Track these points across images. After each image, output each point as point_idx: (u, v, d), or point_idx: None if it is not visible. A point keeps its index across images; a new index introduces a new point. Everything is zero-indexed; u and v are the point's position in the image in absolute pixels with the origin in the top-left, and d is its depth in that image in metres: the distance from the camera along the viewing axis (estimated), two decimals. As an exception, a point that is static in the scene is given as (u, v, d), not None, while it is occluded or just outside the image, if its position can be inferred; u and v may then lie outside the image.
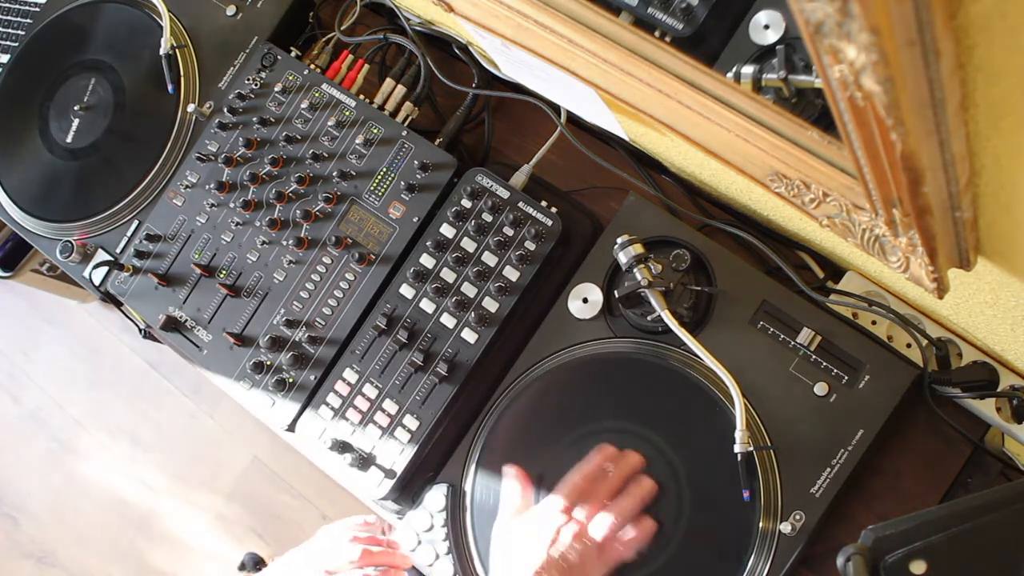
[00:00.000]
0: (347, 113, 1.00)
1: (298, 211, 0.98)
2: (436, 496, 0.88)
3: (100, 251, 1.09)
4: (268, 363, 0.96)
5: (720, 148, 0.66)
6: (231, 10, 1.10)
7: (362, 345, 0.93)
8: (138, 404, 2.19)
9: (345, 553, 0.84)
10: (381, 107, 1.01)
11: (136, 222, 1.07)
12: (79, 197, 1.11)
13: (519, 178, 0.94)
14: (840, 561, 0.55)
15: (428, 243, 0.92)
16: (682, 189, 0.94)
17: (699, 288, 0.84)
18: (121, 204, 1.08)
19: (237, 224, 1.01)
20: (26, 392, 2.28)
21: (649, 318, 0.84)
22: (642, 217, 0.88)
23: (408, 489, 0.91)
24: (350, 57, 1.05)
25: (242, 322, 0.98)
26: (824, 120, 0.57)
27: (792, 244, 0.90)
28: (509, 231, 0.91)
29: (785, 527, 0.77)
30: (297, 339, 0.96)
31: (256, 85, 1.04)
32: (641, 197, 0.89)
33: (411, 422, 0.90)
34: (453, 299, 0.91)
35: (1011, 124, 0.41)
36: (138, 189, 1.07)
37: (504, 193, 0.92)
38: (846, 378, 0.79)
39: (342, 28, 1.06)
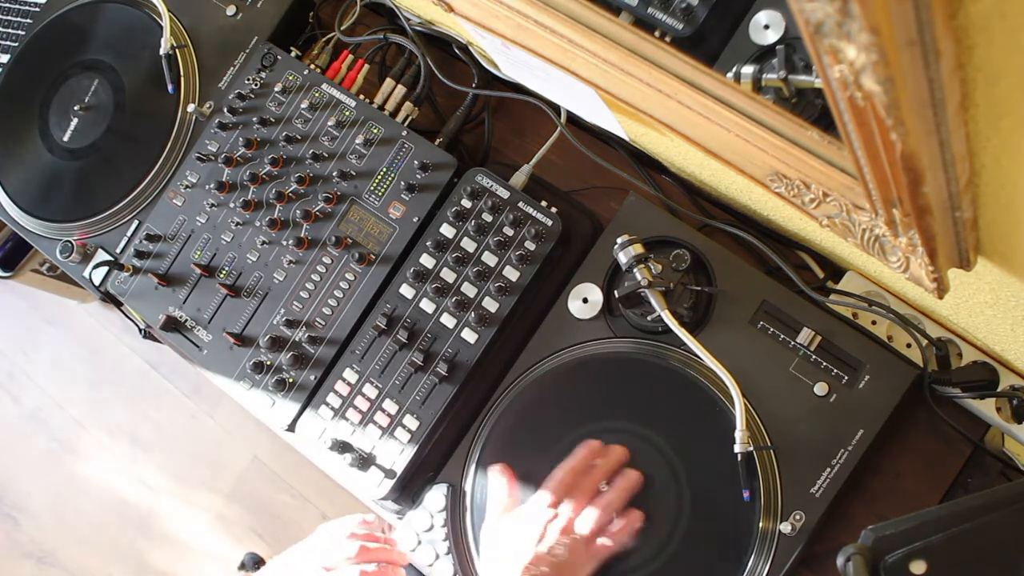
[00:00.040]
0: (347, 113, 1.00)
1: (298, 211, 0.98)
2: (436, 496, 0.88)
3: (100, 251, 1.09)
4: (268, 363, 0.96)
5: (720, 148, 0.66)
6: (231, 10, 1.10)
7: (362, 345, 0.93)
8: (138, 404, 2.19)
9: (343, 549, 0.84)
10: (381, 107, 1.01)
11: (136, 222, 1.07)
12: (79, 197, 1.11)
13: (519, 178, 0.94)
14: (840, 561, 0.55)
15: (428, 243, 0.92)
16: (682, 189, 0.94)
17: (699, 288, 0.84)
18: (121, 204, 1.08)
19: (237, 224, 1.01)
20: (26, 392, 2.28)
21: (649, 318, 0.84)
22: (642, 217, 0.88)
23: (408, 489, 0.91)
24: (350, 57, 1.05)
25: (242, 322, 0.98)
26: (824, 120, 0.57)
27: (792, 244, 0.90)
28: (509, 231, 0.91)
29: (785, 527, 0.77)
30: (297, 339, 0.96)
31: (256, 85, 1.04)
32: (641, 197, 0.89)
33: (411, 422, 0.90)
34: (453, 299, 0.91)
35: (1011, 124, 0.41)
36: (138, 189, 1.07)
37: (504, 193, 0.92)
38: (846, 378, 0.79)
39: (342, 28, 1.06)
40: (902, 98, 0.37)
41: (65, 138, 1.13)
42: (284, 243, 0.98)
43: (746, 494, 0.78)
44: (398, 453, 0.89)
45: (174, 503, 2.11)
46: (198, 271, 1.00)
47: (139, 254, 1.03)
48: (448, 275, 0.92)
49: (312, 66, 1.03)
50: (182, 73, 1.09)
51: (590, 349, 0.87)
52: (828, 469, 0.78)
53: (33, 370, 2.30)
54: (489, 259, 0.91)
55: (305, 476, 2.03)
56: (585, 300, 0.88)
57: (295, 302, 0.97)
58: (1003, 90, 0.38)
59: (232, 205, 1.01)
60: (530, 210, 0.91)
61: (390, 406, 0.91)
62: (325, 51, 1.07)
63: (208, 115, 1.06)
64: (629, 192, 0.90)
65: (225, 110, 1.03)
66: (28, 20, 1.31)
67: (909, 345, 0.83)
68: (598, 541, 0.78)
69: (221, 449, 2.11)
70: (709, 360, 0.79)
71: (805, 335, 0.81)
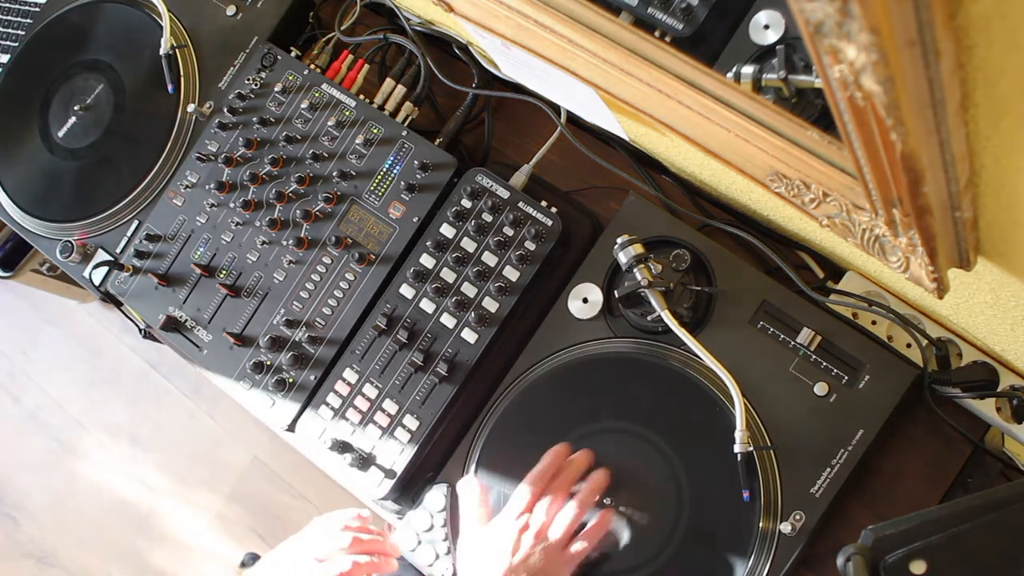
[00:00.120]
0: (347, 113, 1.00)
1: (298, 211, 0.98)
2: (436, 496, 0.88)
3: (100, 251, 1.09)
4: (268, 363, 0.96)
5: (720, 148, 0.66)
6: (231, 10, 1.10)
7: (362, 345, 0.93)
8: (138, 404, 2.19)
9: (336, 541, 0.84)
10: (381, 107, 1.01)
11: (136, 222, 1.07)
12: (79, 197, 1.11)
13: (519, 178, 0.94)
14: (840, 561, 0.55)
15: (428, 243, 0.92)
16: (682, 189, 0.94)
17: (699, 288, 0.84)
18: (121, 204, 1.08)
19: (237, 224, 1.01)
20: (26, 392, 2.28)
21: (649, 318, 0.84)
22: (642, 217, 0.88)
23: (408, 489, 0.91)
24: (350, 57, 1.05)
25: (242, 322, 0.98)
26: (824, 120, 0.57)
27: (792, 244, 0.90)
28: (509, 231, 0.91)
29: (785, 527, 0.77)
30: (297, 339, 0.96)
31: (256, 85, 1.04)
32: (641, 197, 0.89)
33: (411, 422, 0.90)
34: (453, 299, 0.91)
35: (1011, 124, 0.41)
36: (138, 189, 1.07)
37: (504, 193, 0.92)
38: (846, 378, 0.79)
39: (342, 28, 1.06)
40: (902, 98, 0.37)
41: (65, 138, 1.13)
42: (284, 243, 0.98)
43: (746, 494, 0.78)
44: (398, 453, 0.89)
45: (174, 503, 2.11)
46: (198, 271, 1.00)
47: (139, 254, 1.03)
48: (448, 275, 0.92)
49: (312, 66, 1.03)
50: (182, 73, 1.09)
51: (590, 349, 0.87)
52: (828, 469, 0.78)
53: (33, 370, 2.29)
54: (489, 259, 0.91)
55: (305, 476, 2.03)
56: (585, 300, 0.88)
57: (295, 302, 0.97)
58: (1003, 90, 0.38)
59: (232, 205, 1.01)
60: (530, 210, 0.91)
61: (390, 406, 0.91)
62: (325, 51, 1.07)
63: (208, 115, 1.06)
64: (629, 192, 0.89)
65: (225, 110, 1.03)
66: (28, 20, 1.31)
67: (909, 345, 0.83)
68: (573, 544, 0.79)
69: (221, 449, 2.11)
70: (709, 360, 0.79)
71: (805, 335, 0.81)
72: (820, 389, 0.79)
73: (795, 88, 0.63)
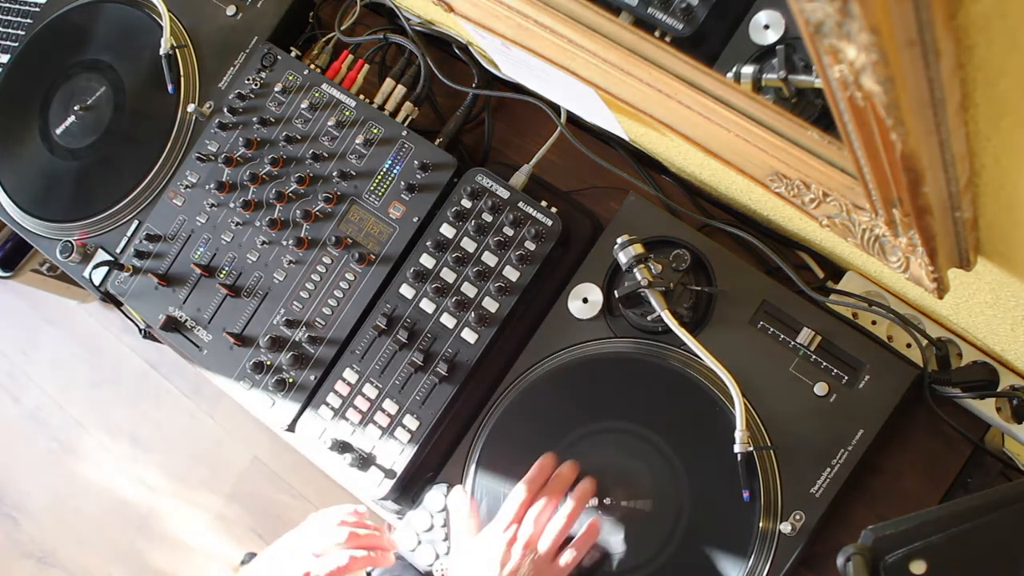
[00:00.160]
0: (347, 113, 1.00)
1: (298, 211, 0.98)
2: (436, 496, 0.88)
3: (100, 251, 1.09)
4: (268, 363, 0.96)
5: (720, 148, 0.66)
6: (231, 10, 1.10)
7: (362, 345, 0.93)
8: (138, 404, 2.19)
9: (332, 536, 0.84)
10: (381, 107, 1.01)
11: (136, 222, 1.07)
12: (79, 197, 1.11)
13: (519, 178, 0.94)
14: (840, 561, 0.55)
15: (428, 243, 0.92)
16: (682, 189, 0.94)
17: (699, 288, 0.84)
18: (121, 204, 1.08)
19: (237, 224, 1.01)
20: (26, 392, 2.28)
21: (649, 318, 0.84)
22: (642, 217, 0.88)
23: (408, 489, 0.91)
24: (350, 57, 1.05)
25: (242, 322, 0.98)
26: (824, 120, 0.57)
27: (792, 244, 0.90)
28: (509, 231, 0.91)
29: (785, 527, 0.77)
30: (297, 339, 0.96)
31: (256, 85, 1.04)
32: (641, 197, 0.89)
33: (411, 422, 0.90)
34: (453, 299, 0.91)
35: (1011, 124, 0.41)
36: (138, 189, 1.07)
37: (504, 193, 0.92)
38: (846, 378, 0.79)
39: (342, 28, 1.06)
40: (902, 98, 0.37)
41: (65, 138, 1.13)
42: (284, 243, 0.98)
43: (746, 494, 0.78)
44: (398, 453, 0.89)
45: (174, 503, 2.11)
46: (198, 271, 1.00)
47: (139, 254, 1.03)
48: (448, 275, 0.92)
49: (312, 66, 1.03)
50: (182, 73, 1.09)
51: (590, 349, 0.87)
52: (828, 469, 0.78)
53: (33, 370, 2.29)
54: (489, 259, 0.91)
55: (305, 476, 2.03)
56: (585, 300, 0.88)
57: (295, 302, 0.97)
58: (1003, 90, 0.38)
59: (232, 205, 1.01)
60: (530, 210, 0.91)
61: (390, 406, 0.91)
62: (325, 51, 1.07)
63: (208, 115, 1.06)
64: (629, 192, 0.89)
65: (225, 110, 1.03)
66: (28, 20, 1.31)
67: (909, 345, 0.83)
68: (562, 555, 0.80)
69: (221, 449, 2.11)
70: (709, 360, 0.79)
71: (805, 335, 0.81)
72: (820, 389, 0.79)
73: (795, 88, 0.63)
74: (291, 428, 0.95)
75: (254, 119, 1.02)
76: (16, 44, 1.28)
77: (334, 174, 0.98)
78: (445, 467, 0.90)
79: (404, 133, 0.97)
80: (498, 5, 0.72)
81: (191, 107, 1.06)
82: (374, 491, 0.89)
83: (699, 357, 0.80)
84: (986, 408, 0.80)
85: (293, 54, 1.05)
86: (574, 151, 0.94)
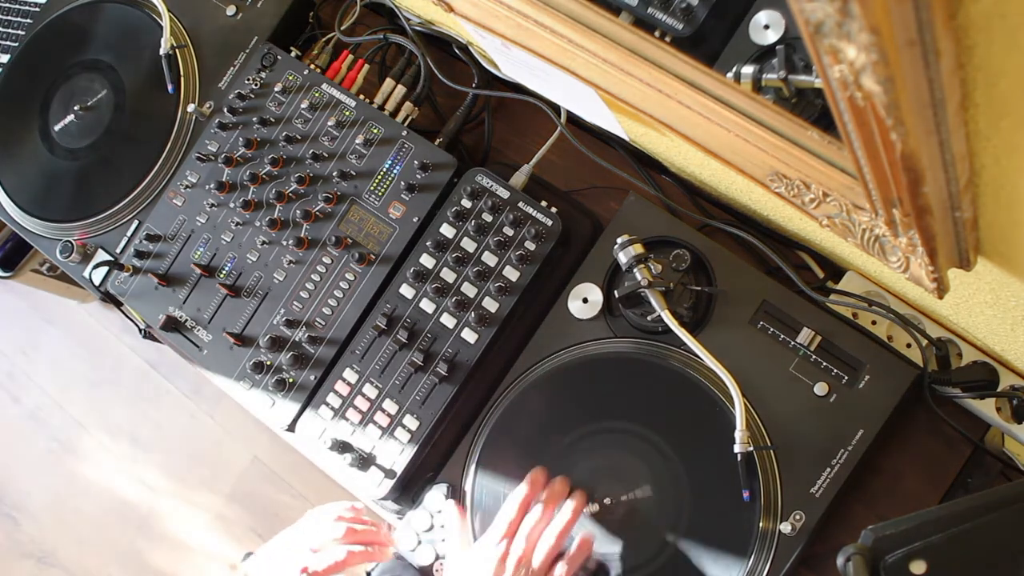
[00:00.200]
0: (347, 113, 1.00)
1: (298, 211, 0.98)
2: (436, 496, 0.88)
3: (100, 251, 1.09)
4: (268, 363, 0.96)
5: (720, 148, 0.66)
6: (231, 10, 1.10)
7: (362, 345, 0.93)
8: (138, 404, 2.19)
9: (329, 531, 0.85)
10: (381, 107, 1.01)
11: (136, 222, 1.07)
12: (79, 197, 1.11)
13: (519, 178, 0.94)
14: (840, 561, 0.55)
15: (428, 243, 0.92)
16: (682, 189, 0.94)
17: (699, 288, 0.84)
18: (121, 204, 1.08)
19: (237, 224, 1.01)
20: (26, 392, 2.28)
21: (649, 318, 0.84)
22: (642, 217, 0.88)
23: (408, 489, 0.91)
24: (350, 57, 1.05)
25: (242, 322, 0.98)
26: (824, 120, 0.57)
27: (792, 244, 0.90)
28: (509, 231, 0.91)
29: (785, 527, 0.77)
30: (297, 339, 0.96)
31: (256, 85, 1.04)
32: (641, 197, 0.89)
33: (411, 422, 0.90)
34: (453, 299, 0.91)
35: (1011, 124, 0.41)
36: (138, 189, 1.07)
37: (504, 193, 0.92)
38: (846, 378, 0.79)
39: (342, 28, 1.06)
40: (902, 98, 0.37)
41: (65, 138, 1.13)
42: (284, 243, 0.98)
43: (746, 494, 0.78)
44: (398, 453, 0.89)
45: (174, 503, 2.11)
46: (198, 271, 1.00)
47: (139, 254, 1.03)
48: (448, 275, 0.92)
49: (312, 66, 1.03)
50: (182, 73, 1.09)
51: (590, 349, 0.87)
52: (828, 469, 0.78)
53: (33, 370, 2.30)
54: (489, 259, 0.91)
55: (305, 476, 2.03)
56: (585, 300, 0.88)
57: (295, 302, 0.97)
58: (1003, 90, 0.38)
59: (232, 205, 1.01)
60: (530, 210, 0.91)
61: (390, 406, 0.91)
62: (325, 51, 1.07)
63: (208, 115, 1.06)
64: (629, 192, 0.89)
65: (225, 110, 1.03)
66: (28, 20, 1.31)
67: (909, 345, 0.83)
68: (554, 570, 0.79)
69: (221, 449, 2.11)
70: (709, 360, 0.79)
71: (805, 335, 0.81)
72: (820, 389, 0.79)
73: (795, 88, 0.63)
74: (291, 428, 0.95)
75: (254, 119, 1.02)
76: (16, 44, 1.28)
77: (334, 174, 0.98)
78: (445, 467, 0.90)
79: (404, 133, 0.97)
80: (498, 5, 0.72)
81: (191, 107, 1.06)
82: (374, 491, 0.89)
83: (699, 357, 0.80)
84: (986, 408, 0.80)
85: (293, 54, 1.05)
86: (574, 151, 0.94)
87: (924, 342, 0.80)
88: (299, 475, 2.03)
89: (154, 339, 1.10)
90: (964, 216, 0.51)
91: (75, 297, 2.13)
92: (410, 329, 0.91)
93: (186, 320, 1.00)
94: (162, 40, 1.06)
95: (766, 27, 0.64)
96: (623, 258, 0.83)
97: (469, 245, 0.92)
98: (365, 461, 0.90)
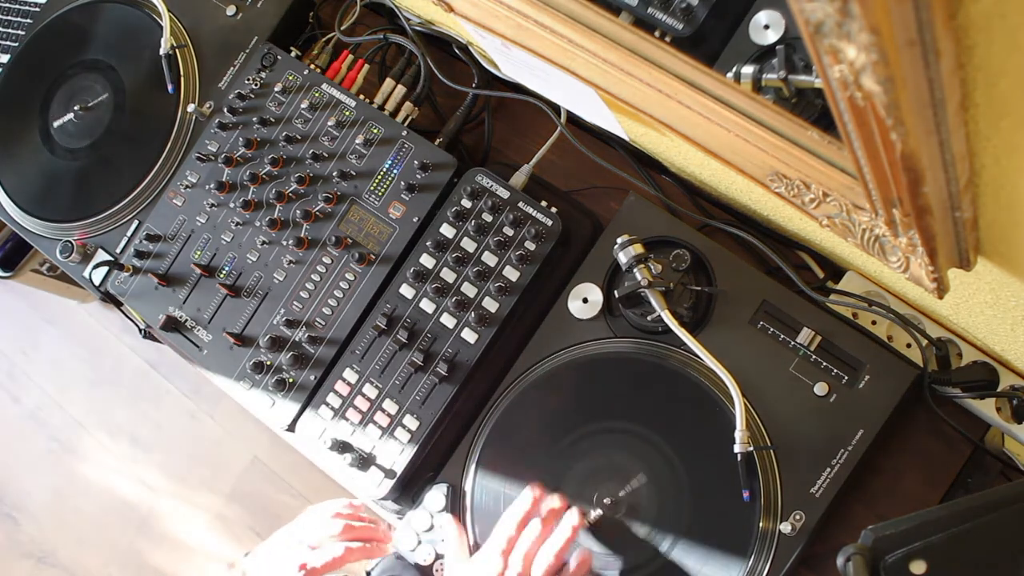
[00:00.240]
0: (347, 113, 1.00)
1: (298, 211, 0.98)
2: (436, 496, 0.88)
3: (100, 251, 1.09)
4: (268, 363, 0.96)
5: (720, 148, 0.66)
6: (231, 10, 1.10)
7: (362, 345, 0.93)
8: (138, 404, 2.19)
9: (328, 528, 0.85)
10: (381, 107, 1.01)
11: (136, 222, 1.07)
12: (79, 197, 1.11)
13: (519, 178, 0.94)
14: (840, 561, 0.55)
15: (428, 243, 0.92)
16: (682, 189, 0.94)
17: (699, 288, 0.84)
18: (121, 204, 1.08)
19: (237, 224, 1.01)
20: (26, 392, 2.28)
21: (649, 318, 0.84)
22: (642, 217, 0.88)
23: (408, 489, 0.91)
24: (350, 57, 1.05)
25: (242, 322, 0.98)
26: (824, 120, 0.57)
27: (792, 244, 0.90)
28: (509, 231, 0.91)
29: (785, 527, 0.77)
30: (297, 339, 0.96)
31: (256, 85, 1.04)
32: (641, 197, 0.89)
33: (411, 422, 0.90)
34: (453, 299, 0.91)
35: (1011, 124, 0.41)
36: (138, 189, 1.07)
37: (504, 193, 0.92)
38: (846, 378, 0.79)
39: (342, 28, 1.06)
40: (902, 98, 0.37)
41: (65, 138, 1.13)
42: (284, 243, 0.98)
43: (746, 494, 0.78)
44: (398, 453, 0.89)
45: (174, 503, 2.11)
46: (198, 271, 1.00)
47: (139, 254, 1.03)
48: (448, 275, 0.92)
49: (312, 66, 1.03)
50: (182, 73, 1.09)
51: (590, 349, 0.87)
52: (828, 469, 0.78)
53: (33, 370, 2.30)
54: (489, 259, 0.91)
55: (305, 476, 2.03)
56: (585, 300, 0.88)
57: (295, 302, 0.97)
58: (1003, 90, 0.38)
59: (232, 205, 1.01)
60: (530, 210, 0.91)
61: (390, 406, 0.91)
62: (325, 51, 1.07)
63: (208, 115, 1.06)
64: (629, 192, 0.89)
65: (225, 110, 1.03)
66: (28, 20, 1.31)
67: (909, 345, 0.83)
68: None
69: (221, 449, 2.11)
70: (709, 360, 0.79)
71: (805, 335, 0.81)
72: (820, 389, 0.79)
73: (795, 88, 0.63)
74: (291, 428, 0.95)
75: (254, 119, 1.02)
76: (16, 44, 1.28)
77: (334, 174, 0.98)
78: (445, 467, 0.90)
79: (404, 133, 0.97)
80: (498, 5, 0.72)
81: (191, 107, 1.06)
82: (374, 491, 0.89)
83: (699, 357, 0.80)
84: (986, 408, 0.80)
85: (293, 54, 1.05)
86: (574, 151, 0.94)
87: (924, 342, 0.80)
88: (299, 475, 2.03)
89: (154, 339, 1.10)
90: (964, 216, 0.51)
91: (75, 297, 2.13)
92: (410, 329, 0.91)
93: (186, 320, 1.00)
94: (162, 40, 1.06)
95: (766, 27, 0.64)
96: (623, 258, 0.83)
97: (469, 245, 0.92)
98: (365, 461, 0.90)
